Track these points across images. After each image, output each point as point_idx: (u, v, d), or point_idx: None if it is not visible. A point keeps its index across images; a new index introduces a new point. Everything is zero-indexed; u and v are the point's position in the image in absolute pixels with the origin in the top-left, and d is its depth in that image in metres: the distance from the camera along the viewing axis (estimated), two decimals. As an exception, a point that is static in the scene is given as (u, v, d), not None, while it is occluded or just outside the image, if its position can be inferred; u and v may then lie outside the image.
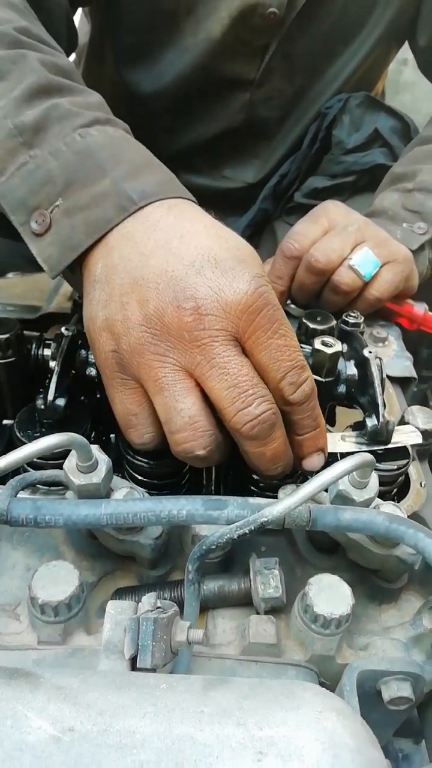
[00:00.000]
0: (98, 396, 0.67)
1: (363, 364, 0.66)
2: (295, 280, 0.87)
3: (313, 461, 0.56)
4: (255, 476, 0.63)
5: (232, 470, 0.67)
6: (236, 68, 1.08)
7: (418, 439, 0.64)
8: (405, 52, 2.95)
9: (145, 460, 0.60)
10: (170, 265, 0.52)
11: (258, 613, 0.53)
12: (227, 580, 0.55)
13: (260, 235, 1.29)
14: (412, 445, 0.70)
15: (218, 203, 1.22)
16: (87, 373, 0.65)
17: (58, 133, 0.60)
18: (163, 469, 0.60)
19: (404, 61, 2.77)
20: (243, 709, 0.35)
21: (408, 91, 2.87)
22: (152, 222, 0.55)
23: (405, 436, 0.64)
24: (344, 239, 0.85)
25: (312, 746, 0.34)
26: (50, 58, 0.66)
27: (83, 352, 0.65)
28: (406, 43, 2.92)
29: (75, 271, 0.60)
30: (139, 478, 0.62)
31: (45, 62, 0.65)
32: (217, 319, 0.50)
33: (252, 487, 0.63)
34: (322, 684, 0.52)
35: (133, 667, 0.41)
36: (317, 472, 0.48)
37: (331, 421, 0.73)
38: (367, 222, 0.88)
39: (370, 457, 0.48)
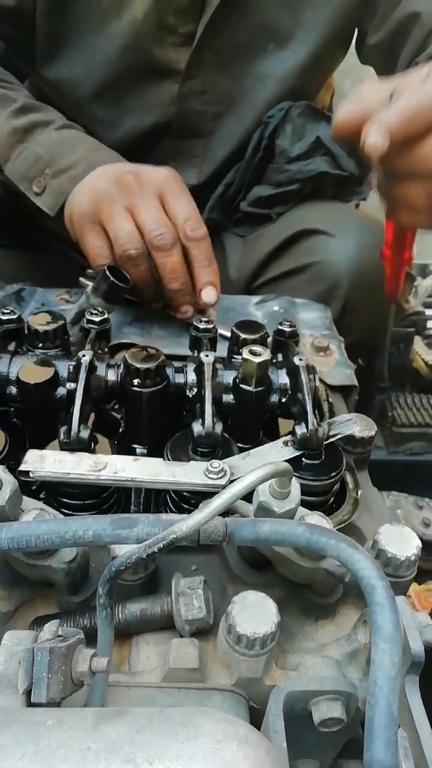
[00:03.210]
0: (16, 417, 0.65)
1: (294, 372, 0.64)
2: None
3: (206, 293, 0.82)
4: (186, 493, 0.61)
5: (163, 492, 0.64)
6: (165, 55, 1.08)
7: (355, 428, 0.62)
8: (361, 71, 2.99)
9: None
10: (123, 167, 0.88)
11: (182, 637, 0.51)
12: (150, 603, 0.52)
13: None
14: (349, 453, 0.68)
15: None
16: (7, 391, 0.63)
17: (41, 133, 0.94)
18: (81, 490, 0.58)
19: (361, 80, 2.82)
20: (134, 743, 0.33)
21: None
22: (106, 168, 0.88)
23: (342, 427, 0.62)
24: None
25: (206, 780, 0.31)
26: (20, 89, 1.02)
27: (2, 370, 0.63)
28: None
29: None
30: (65, 501, 0.60)
31: (20, 92, 1.00)
32: (148, 183, 0.84)
33: (183, 505, 0.61)
34: (251, 708, 0.50)
35: (29, 702, 0.38)
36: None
37: (273, 432, 0.71)
38: None
39: (285, 465, 0.46)
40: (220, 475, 0.55)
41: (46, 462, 0.56)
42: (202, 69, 1.10)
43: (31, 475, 0.55)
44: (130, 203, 0.81)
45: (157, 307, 0.88)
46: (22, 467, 0.55)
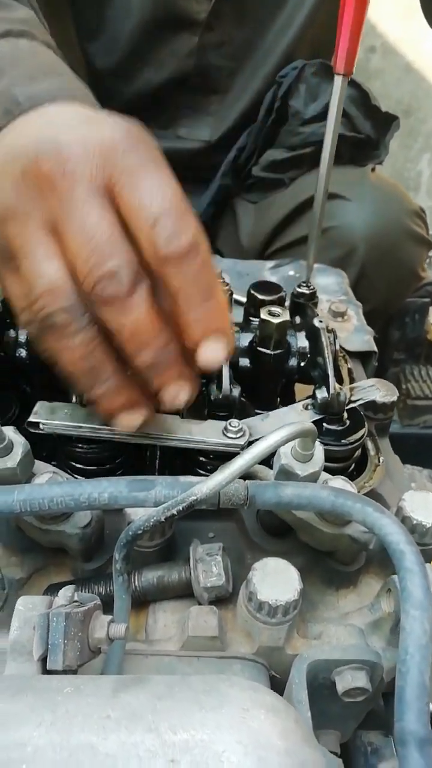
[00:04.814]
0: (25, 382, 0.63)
1: (314, 335, 0.62)
2: None
3: (209, 349, 0.45)
4: (202, 458, 0.59)
5: (178, 456, 0.62)
6: (185, 5, 1.04)
7: (377, 393, 0.60)
8: (373, 39, 2.92)
9: (80, 446, 0.56)
10: (43, 130, 0.48)
11: (200, 605, 0.49)
12: (167, 570, 0.50)
13: (221, 214, 1.25)
14: (370, 420, 0.66)
15: (179, 173, 1.17)
16: (17, 354, 0.61)
17: None
18: (96, 454, 0.56)
19: (372, 48, 2.75)
20: (156, 712, 0.31)
21: (377, 78, 2.86)
22: (40, 111, 0.52)
23: (364, 392, 0.60)
24: None
25: (233, 750, 0.30)
26: None
27: (12, 332, 0.60)
28: (374, 29, 2.86)
29: None
30: (75, 465, 0.58)
31: None
32: (78, 163, 0.45)
33: (199, 470, 0.59)
34: (272, 678, 0.48)
35: (44, 669, 0.36)
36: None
37: (290, 398, 0.68)
38: None
39: (309, 425, 0.44)
40: (239, 435, 0.53)
41: (57, 414, 0.53)
42: (220, 20, 1.06)
43: (41, 426, 0.53)
44: (51, 214, 0.45)
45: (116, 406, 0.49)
46: (32, 418, 0.53)
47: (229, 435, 0.53)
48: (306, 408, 0.58)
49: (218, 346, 0.45)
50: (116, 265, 0.43)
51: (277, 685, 0.48)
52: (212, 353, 0.45)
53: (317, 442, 0.47)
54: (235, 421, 0.53)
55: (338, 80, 0.63)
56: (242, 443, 0.52)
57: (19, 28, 0.63)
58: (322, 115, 1.10)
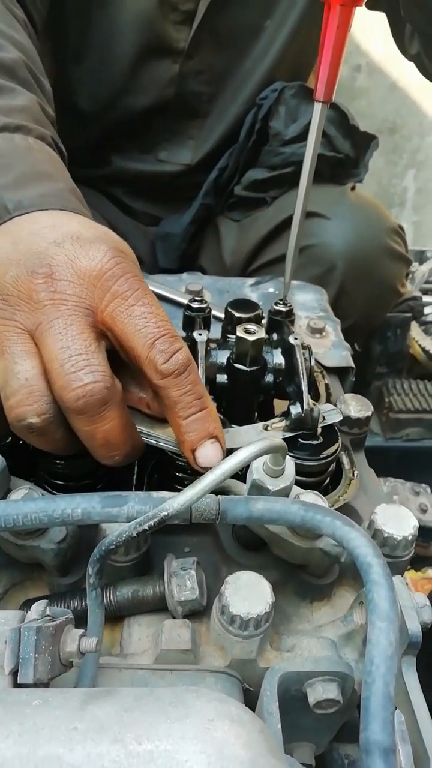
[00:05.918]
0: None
1: (289, 351, 0.63)
2: None
3: (206, 452, 0.50)
4: (179, 474, 0.60)
5: (156, 471, 0.63)
6: (166, 34, 1.07)
7: (339, 417, 0.61)
8: (358, 58, 2.95)
9: (57, 461, 0.56)
10: (34, 245, 0.51)
11: (175, 618, 0.50)
12: (142, 585, 0.51)
13: (203, 232, 1.26)
14: (345, 434, 0.67)
15: (161, 193, 1.19)
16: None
17: None
18: (74, 470, 0.57)
19: (357, 67, 2.80)
20: (123, 723, 0.32)
21: (363, 96, 2.90)
22: (30, 219, 0.55)
23: (328, 415, 0.61)
24: None
25: (197, 759, 0.30)
26: None
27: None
28: (359, 48, 2.89)
29: None
30: (53, 481, 0.58)
31: None
32: (69, 284, 0.49)
33: (177, 486, 0.60)
34: (246, 690, 0.49)
35: (15, 683, 0.37)
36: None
37: (269, 413, 0.69)
38: None
39: (279, 441, 0.45)
40: None
41: None
42: (200, 49, 1.09)
43: None
44: (35, 319, 0.48)
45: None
46: None
47: None
48: (266, 428, 0.59)
49: (214, 447, 0.50)
50: (92, 379, 0.47)
51: (251, 697, 0.48)
52: (210, 455, 0.50)
53: (288, 458, 0.48)
54: None
55: (318, 107, 0.65)
56: None
57: (16, 123, 0.64)
58: (303, 136, 1.12)
